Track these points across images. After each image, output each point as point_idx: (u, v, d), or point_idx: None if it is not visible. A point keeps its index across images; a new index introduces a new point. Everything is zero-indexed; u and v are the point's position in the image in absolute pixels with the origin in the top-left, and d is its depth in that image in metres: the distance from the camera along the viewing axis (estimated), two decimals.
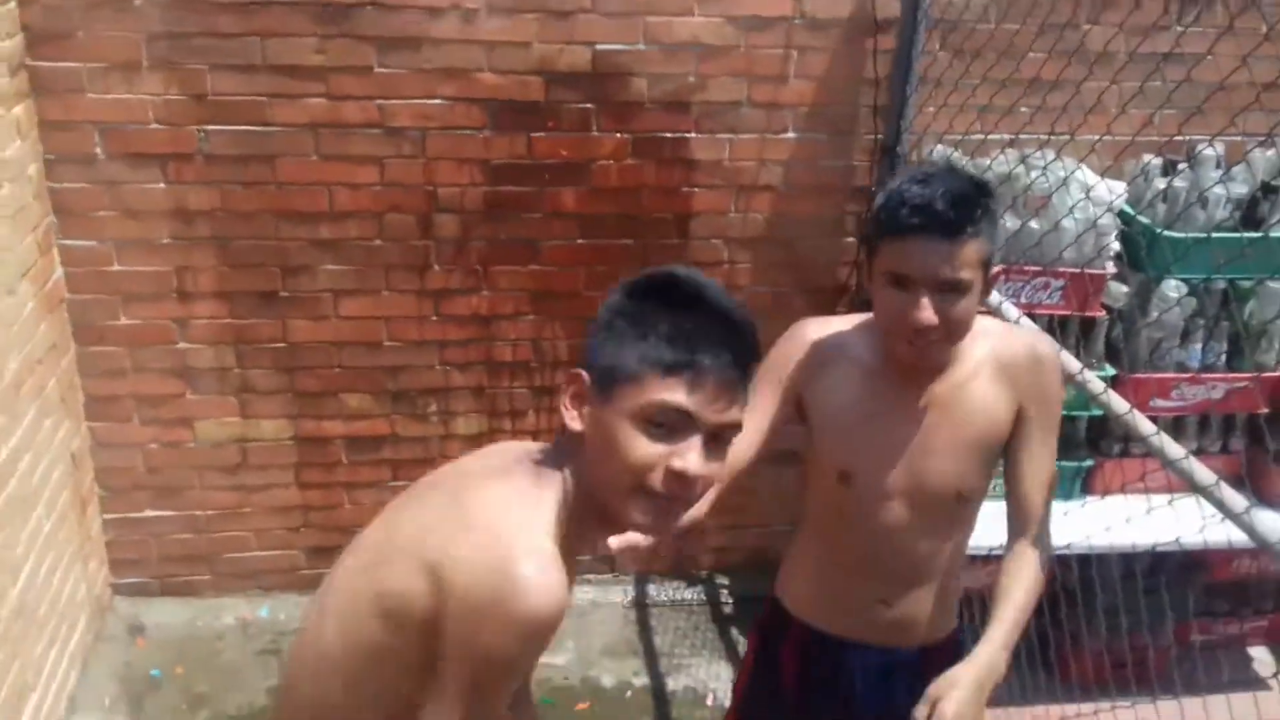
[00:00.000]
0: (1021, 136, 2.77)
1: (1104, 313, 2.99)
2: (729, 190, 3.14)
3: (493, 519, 1.16)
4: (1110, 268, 2.93)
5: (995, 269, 1.62)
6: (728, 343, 1.17)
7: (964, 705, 1.53)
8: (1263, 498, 3.13)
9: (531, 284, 3.18)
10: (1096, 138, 2.59)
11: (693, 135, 3.06)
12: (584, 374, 1.21)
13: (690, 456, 1.16)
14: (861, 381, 1.73)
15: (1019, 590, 1.69)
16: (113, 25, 2.73)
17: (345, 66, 2.86)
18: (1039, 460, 1.74)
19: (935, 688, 1.55)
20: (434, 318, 3.17)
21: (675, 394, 1.15)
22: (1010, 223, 2.87)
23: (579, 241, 3.14)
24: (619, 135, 3.03)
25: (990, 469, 1.77)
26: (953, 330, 1.59)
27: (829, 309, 3.26)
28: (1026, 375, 1.70)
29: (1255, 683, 3.29)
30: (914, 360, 1.64)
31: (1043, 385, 1.72)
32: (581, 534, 1.26)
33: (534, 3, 2.87)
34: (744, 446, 1.68)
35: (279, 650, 3.21)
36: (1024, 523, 1.76)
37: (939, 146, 3.04)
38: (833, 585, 1.88)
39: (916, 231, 1.52)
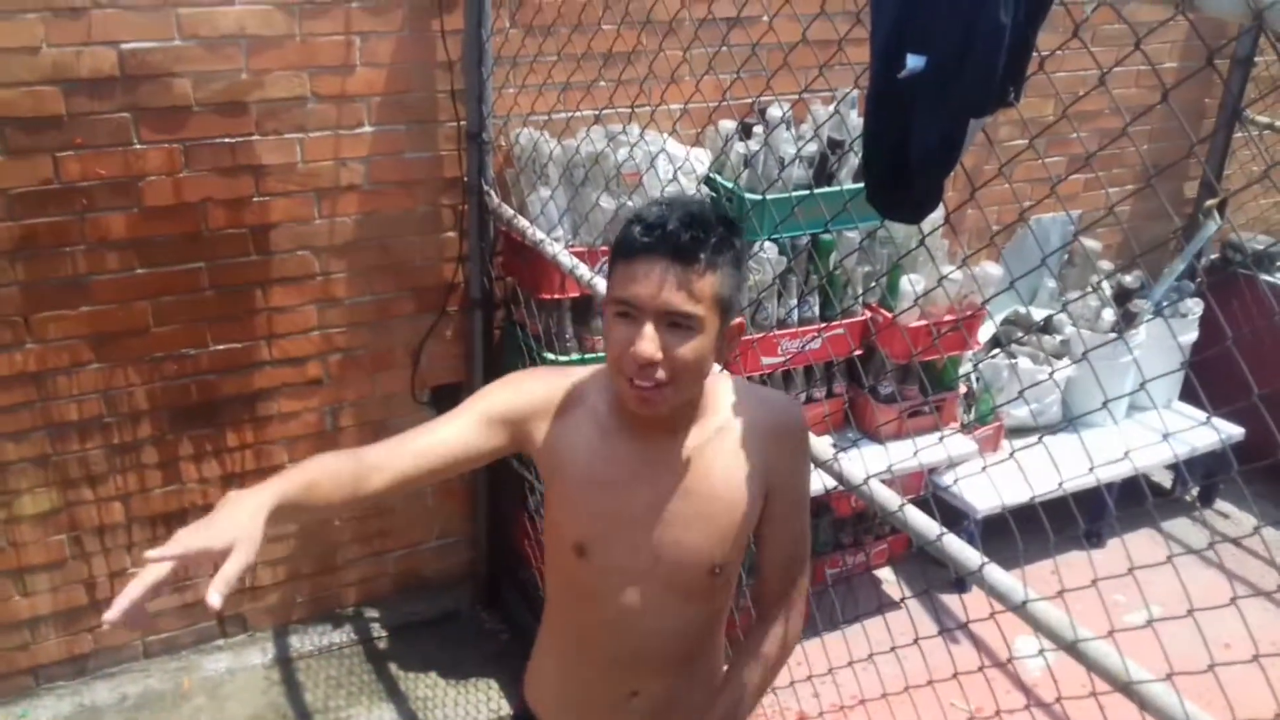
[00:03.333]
0: (605, 112, 2.73)
1: None
2: (308, 195, 2.86)
3: None
4: None
5: (737, 321, 1.45)
6: None
7: None
8: (865, 428, 3.38)
9: (88, 328, 2.72)
10: (679, 108, 2.60)
11: (256, 138, 2.74)
12: None
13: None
14: (599, 440, 1.50)
15: (752, 671, 1.63)
16: None
17: None
18: (784, 535, 1.62)
19: None
20: None
21: None
22: (606, 204, 2.82)
23: (139, 272, 2.72)
24: (168, 145, 2.64)
25: (745, 540, 1.58)
26: (678, 373, 1.37)
27: (439, 309, 3.09)
28: (773, 447, 1.54)
29: (888, 604, 3.54)
30: (637, 406, 1.42)
31: (790, 458, 1.58)
32: None
33: (37, 1, 2.42)
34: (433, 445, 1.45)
35: None
36: (766, 600, 1.67)
37: (525, 129, 2.94)
38: (578, 680, 1.66)
39: (646, 252, 1.34)
